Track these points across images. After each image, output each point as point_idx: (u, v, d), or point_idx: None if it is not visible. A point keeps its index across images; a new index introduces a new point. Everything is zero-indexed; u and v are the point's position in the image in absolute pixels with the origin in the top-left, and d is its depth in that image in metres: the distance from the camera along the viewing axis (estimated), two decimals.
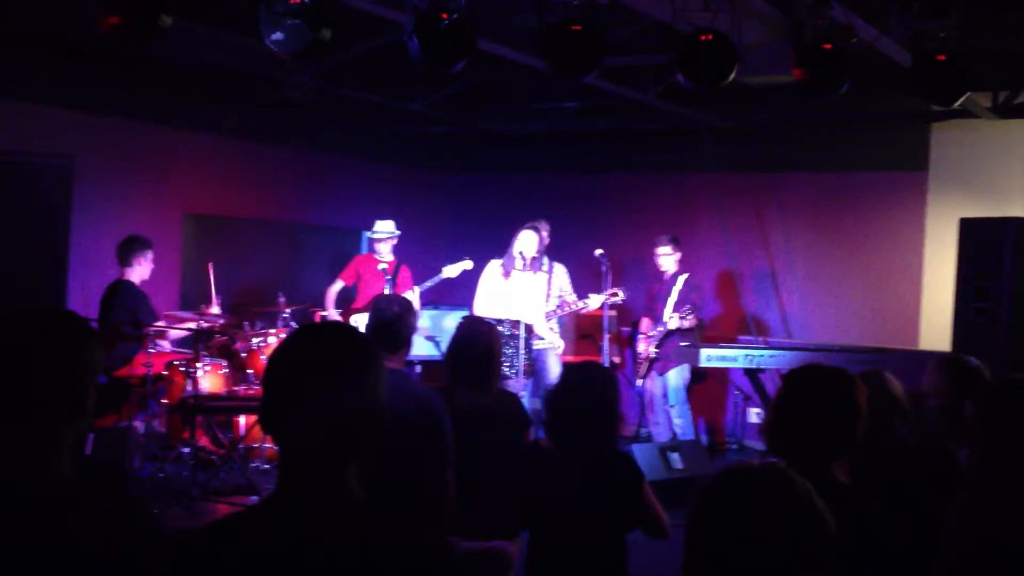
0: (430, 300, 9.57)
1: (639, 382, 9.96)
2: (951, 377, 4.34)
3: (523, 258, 8.65)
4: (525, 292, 8.63)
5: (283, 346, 2.15)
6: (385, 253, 9.70)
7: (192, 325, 8.62)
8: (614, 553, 4.02)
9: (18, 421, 2.09)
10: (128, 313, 8.35)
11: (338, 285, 9.80)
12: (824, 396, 3.12)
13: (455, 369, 4.84)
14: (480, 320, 5.22)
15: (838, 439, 3.11)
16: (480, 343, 4.80)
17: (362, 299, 9.56)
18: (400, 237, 9.80)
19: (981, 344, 7.86)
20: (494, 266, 8.84)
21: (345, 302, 9.86)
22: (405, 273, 9.74)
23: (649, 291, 10.01)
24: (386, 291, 9.14)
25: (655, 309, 9.82)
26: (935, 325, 9.89)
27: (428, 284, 9.19)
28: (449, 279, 9.12)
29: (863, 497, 3.07)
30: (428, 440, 4.31)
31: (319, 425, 2.03)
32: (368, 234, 9.85)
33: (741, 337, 10.91)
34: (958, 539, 3.05)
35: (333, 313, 9.66)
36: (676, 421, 9.67)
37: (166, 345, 8.80)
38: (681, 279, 9.73)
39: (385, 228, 9.72)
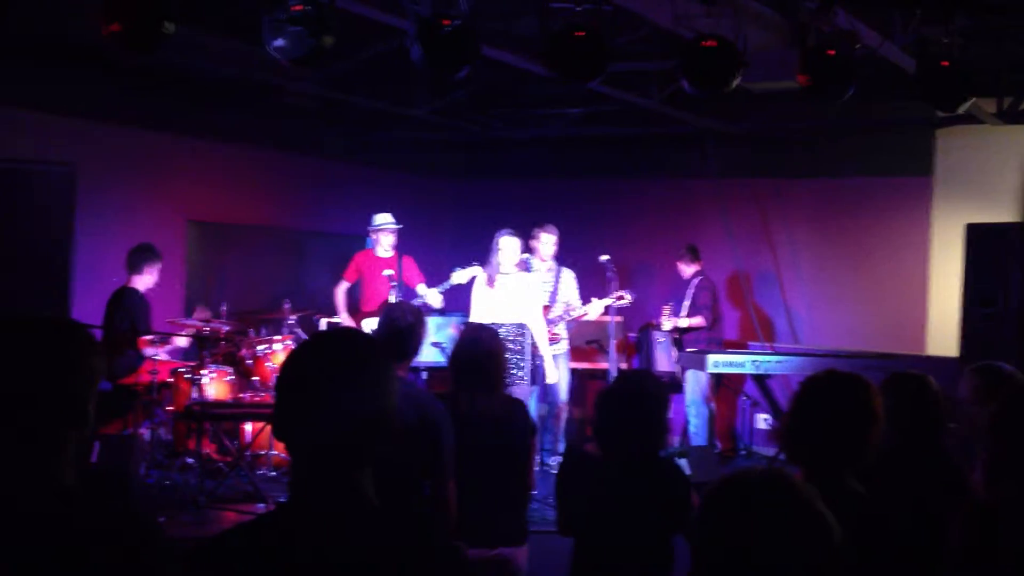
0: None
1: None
2: (985, 384, 4.32)
3: (514, 264, 8.62)
4: (512, 297, 8.59)
5: (296, 352, 2.15)
6: (386, 246, 9.69)
7: (185, 334, 8.62)
8: (662, 558, 4.02)
9: (17, 430, 2.08)
10: (128, 320, 8.35)
11: (344, 285, 9.82)
12: (841, 403, 3.11)
13: (459, 375, 4.83)
14: (482, 326, 5.21)
15: (853, 446, 3.09)
16: (483, 348, 4.79)
17: (369, 301, 9.55)
18: (404, 244, 9.79)
19: (988, 349, 7.83)
20: (480, 277, 8.79)
21: (352, 304, 9.85)
22: (411, 267, 9.71)
23: (673, 294, 10.19)
24: (392, 296, 9.12)
25: (675, 312, 9.98)
26: (942, 330, 9.87)
27: (437, 289, 9.16)
28: (459, 284, 9.09)
29: (876, 504, 3.06)
30: (429, 446, 4.29)
31: (332, 431, 2.02)
32: (369, 228, 9.84)
33: (752, 344, 10.91)
34: (965, 545, 3.03)
35: (345, 318, 9.66)
36: (693, 421, 9.72)
37: (163, 355, 8.78)
38: (694, 282, 9.96)
39: (386, 220, 9.72)
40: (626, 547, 3.97)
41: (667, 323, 9.81)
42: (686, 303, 9.95)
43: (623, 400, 4.09)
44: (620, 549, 3.98)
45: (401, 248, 9.79)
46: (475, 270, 8.88)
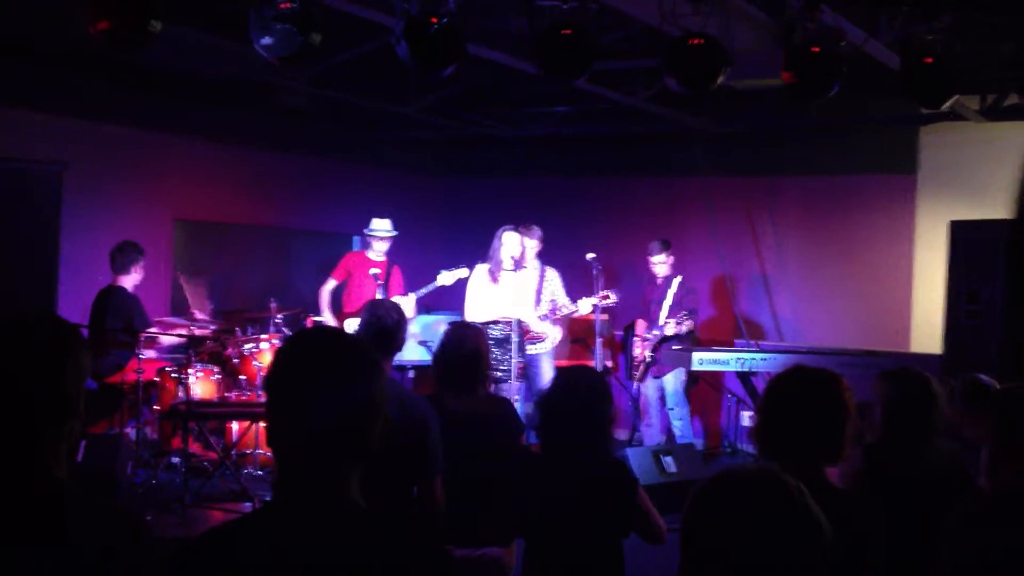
0: (422, 305, 9.56)
1: (635, 385, 9.97)
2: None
3: (512, 260, 8.63)
4: (515, 293, 8.62)
5: (283, 350, 2.15)
6: (379, 252, 9.69)
7: (183, 331, 8.61)
8: (610, 558, 4.00)
9: (12, 426, 2.08)
10: (121, 320, 8.34)
11: (330, 284, 9.78)
12: (810, 398, 3.11)
13: (442, 374, 4.83)
14: (466, 324, 5.21)
15: (826, 441, 3.09)
16: (466, 347, 4.79)
17: (354, 302, 9.53)
18: (393, 241, 9.78)
19: (972, 346, 7.89)
20: (481, 271, 8.80)
21: (336, 303, 9.83)
22: (397, 276, 9.71)
23: (643, 294, 10.01)
24: (378, 295, 9.11)
25: (650, 312, 9.83)
26: (926, 327, 9.91)
27: (423, 291, 9.15)
28: (444, 286, 9.11)
29: (855, 500, 3.07)
30: (417, 445, 4.29)
31: (321, 429, 2.02)
32: (365, 231, 9.82)
33: (737, 342, 10.92)
34: (961, 545, 3.04)
35: (328, 317, 9.65)
36: (676, 423, 9.67)
37: (152, 353, 8.76)
38: (675, 282, 9.73)
39: (382, 227, 9.71)
40: (573, 548, 3.94)
41: (670, 327, 9.58)
42: (666, 304, 9.68)
43: (561, 397, 4.06)
44: (567, 550, 3.95)
45: (392, 250, 9.77)
46: (462, 272, 8.90)
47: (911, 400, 4.00)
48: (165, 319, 8.97)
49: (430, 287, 9.08)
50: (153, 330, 8.60)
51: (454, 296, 9.33)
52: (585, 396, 4.02)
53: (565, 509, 3.92)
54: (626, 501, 3.99)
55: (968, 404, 4.36)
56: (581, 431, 3.99)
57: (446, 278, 8.95)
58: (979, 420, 4.06)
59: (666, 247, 9.79)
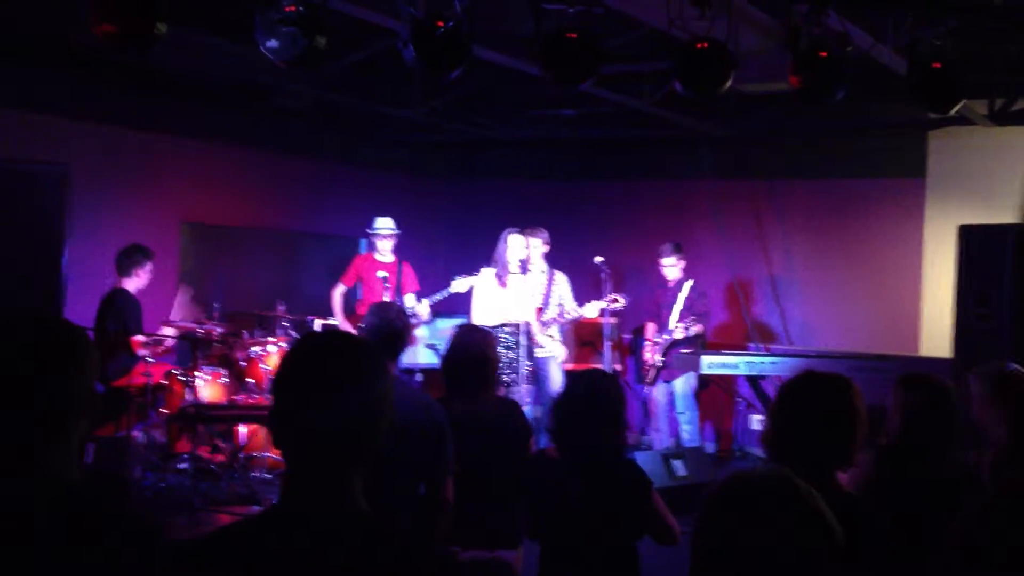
0: (431, 309, 9.54)
1: (646, 389, 9.96)
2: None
3: (519, 263, 8.62)
4: (522, 296, 8.62)
5: (286, 355, 2.16)
6: (385, 252, 9.69)
7: (171, 333, 8.60)
8: (625, 560, 4.02)
9: (25, 426, 2.09)
10: (119, 322, 8.34)
11: (341, 288, 9.78)
12: (821, 402, 3.11)
13: (451, 378, 4.83)
14: (474, 328, 5.21)
15: (837, 445, 3.09)
16: (474, 351, 4.79)
17: (366, 305, 9.53)
18: (398, 244, 9.78)
19: (982, 351, 7.86)
20: (488, 275, 8.80)
21: (348, 307, 9.83)
22: (409, 272, 9.70)
23: (654, 298, 9.99)
24: (385, 298, 9.11)
25: (661, 316, 9.81)
26: (936, 332, 9.88)
27: (436, 297, 9.14)
28: (457, 293, 9.09)
29: (866, 504, 3.06)
30: (430, 447, 4.30)
31: (324, 431, 2.03)
32: (368, 230, 9.83)
33: (751, 346, 10.90)
34: (966, 546, 3.02)
35: (341, 320, 9.63)
36: (685, 427, 9.66)
37: (169, 342, 8.76)
38: (687, 286, 9.71)
39: (385, 225, 9.72)
40: (589, 550, 3.96)
41: (679, 331, 9.57)
42: (677, 308, 9.67)
43: (576, 400, 4.07)
44: (583, 552, 3.97)
45: (398, 250, 9.78)
46: (474, 280, 8.88)
47: (930, 407, 3.98)
48: (170, 321, 8.96)
49: (443, 293, 9.07)
50: (145, 335, 8.59)
51: (463, 300, 9.32)
52: (599, 399, 4.04)
53: (580, 511, 3.94)
54: (640, 503, 4.01)
55: (995, 392, 4.31)
56: (595, 433, 4.01)
57: (460, 285, 8.94)
58: (1001, 411, 4.04)
59: (677, 250, 9.77)
